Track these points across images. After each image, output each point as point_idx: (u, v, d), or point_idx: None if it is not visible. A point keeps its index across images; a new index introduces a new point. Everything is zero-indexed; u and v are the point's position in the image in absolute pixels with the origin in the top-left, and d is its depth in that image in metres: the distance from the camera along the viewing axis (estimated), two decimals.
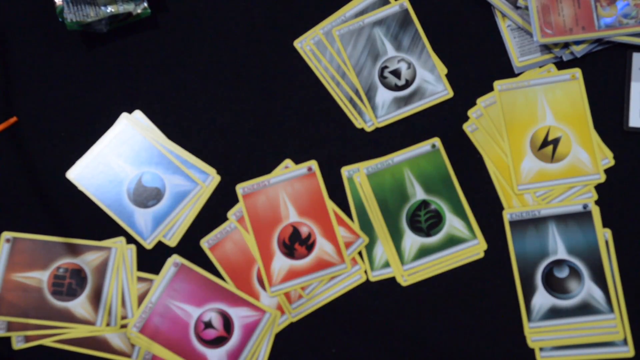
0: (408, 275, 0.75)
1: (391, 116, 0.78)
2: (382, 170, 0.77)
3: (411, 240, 0.75)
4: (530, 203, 0.76)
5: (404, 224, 0.76)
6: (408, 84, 0.78)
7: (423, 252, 0.75)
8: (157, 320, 0.74)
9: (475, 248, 0.75)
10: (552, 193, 0.76)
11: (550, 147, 0.76)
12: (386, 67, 0.79)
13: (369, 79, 0.78)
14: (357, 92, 0.78)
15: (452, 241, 0.75)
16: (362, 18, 0.79)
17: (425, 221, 0.76)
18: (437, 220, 0.76)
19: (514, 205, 0.75)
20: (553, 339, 0.73)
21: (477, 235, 0.75)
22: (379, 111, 0.78)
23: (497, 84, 0.78)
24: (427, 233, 0.76)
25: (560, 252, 0.74)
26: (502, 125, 0.77)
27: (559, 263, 0.74)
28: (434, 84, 0.78)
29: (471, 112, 0.77)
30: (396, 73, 0.79)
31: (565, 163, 0.76)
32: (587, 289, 0.74)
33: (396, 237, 0.75)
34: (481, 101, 0.78)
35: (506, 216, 0.75)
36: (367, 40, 0.79)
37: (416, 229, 0.76)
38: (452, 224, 0.76)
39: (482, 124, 0.77)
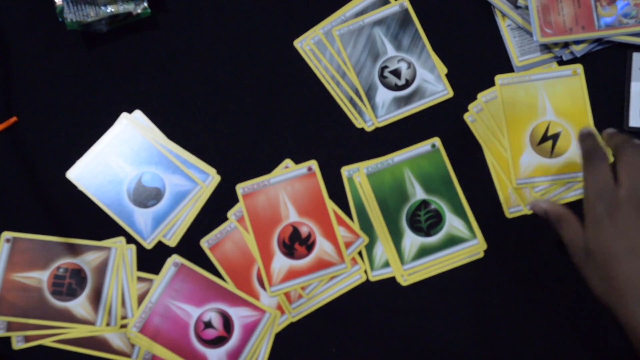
0: (408, 275, 0.75)
1: (391, 116, 0.78)
2: (382, 170, 0.77)
3: (411, 240, 0.75)
4: (528, 197, 0.76)
5: (404, 224, 0.76)
6: (408, 83, 0.78)
7: (423, 252, 0.75)
8: (157, 320, 0.74)
9: (475, 248, 0.75)
10: (551, 188, 0.76)
11: (549, 142, 0.76)
12: (386, 66, 0.79)
13: (369, 79, 0.78)
14: (357, 92, 0.78)
15: (452, 241, 0.75)
16: (362, 18, 0.79)
17: (425, 221, 0.76)
18: (437, 220, 0.76)
19: (511, 199, 0.75)
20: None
21: (477, 235, 0.75)
22: (379, 111, 0.78)
23: (498, 78, 0.78)
24: (427, 233, 0.75)
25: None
26: (502, 119, 0.77)
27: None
28: (434, 83, 0.78)
29: (472, 107, 0.78)
30: (396, 73, 0.79)
31: (564, 158, 0.76)
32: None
33: (396, 237, 0.75)
34: (482, 96, 0.78)
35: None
36: (367, 40, 0.79)
37: (416, 228, 0.76)
38: (452, 223, 0.76)
39: (482, 118, 0.77)
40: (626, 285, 0.57)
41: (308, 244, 0.76)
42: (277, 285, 0.75)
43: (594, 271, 0.60)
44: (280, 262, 0.75)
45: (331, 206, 0.76)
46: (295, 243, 0.76)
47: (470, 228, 0.75)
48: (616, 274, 0.58)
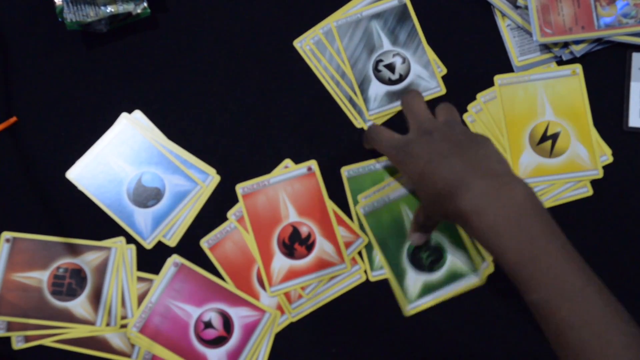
0: (414, 313, 0.75)
1: (383, 109, 0.78)
2: (379, 209, 0.76)
3: (414, 278, 0.75)
4: None
5: (405, 263, 0.75)
6: (402, 78, 0.79)
7: (427, 289, 0.75)
8: (157, 320, 0.74)
9: (477, 282, 0.75)
10: (550, 188, 0.76)
11: (549, 142, 0.76)
12: (381, 60, 0.79)
13: (363, 72, 0.79)
14: (353, 88, 0.78)
15: (455, 276, 0.75)
16: (360, 10, 0.79)
17: (427, 258, 0.75)
18: (438, 257, 0.75)
19: None
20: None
21: (478, 267, 0.75)
22: (371, 104, 0.78)
23: (498, 78, 0.78)
24: (430, 269, 0.75)
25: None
26: (502, 120, 0.77)
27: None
28: (427, 80, 0.78)
29: (471, 107, 0.78)
30: (390, 67, 0.79)
31: (563, 158, 0.76)
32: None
33: (399, 277, 0.75)
34: (481, 96, 0.78)
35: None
36: (363, 33, 0.79)
37: (418, 266, 0.75)
38: (454, 258, 0.75)
39: (481, 118, 0.77)
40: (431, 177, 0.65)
41: (308, 244, 0.76)
42: (277, 285, 0.75)
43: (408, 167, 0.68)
44: (280, 262, 0.75)
45: (331, 206, 0.76)
46: (295, 243, 0.76)
47: (471, 263, 0.75)
48: (423, 172, 0.65)
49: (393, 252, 0.75)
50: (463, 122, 0.77)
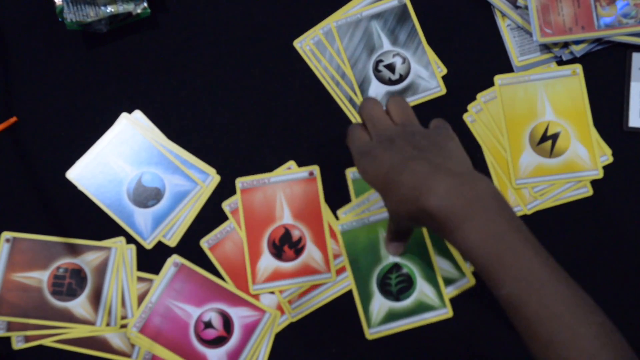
0: (374, 338, 0.74)
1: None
2: (357, 229, 0.76)
3: (380, 304, 0.74)
4: (527, 198, 0.76)
5: (374, 286, 0.75)
6: (402, 78, 0.79)
7: (391, 317, 0.74)
8: (157, 320, 0.74)
9: (443, 316, 0.74)
10: (550, 188, 0.76)
11: (549, 142, 0.76)
12: (381, 60, 0.79)
13: (363, 72, 0.79)
14: (353, 88, 0.78)
15: (421, 307, 0.74)
16: (360, 11, 0.79)
17: (396, 285, 0.75)
18: (407, 285, 0.75)
19: (511, 199, 0.75)
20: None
21: (446, 304, 0.74)
22: None
23: (498, 78, 0.78)
24: (397, 297, 0.75)
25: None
26: (502, 120, 0.77)
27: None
28: (427, 80, 0.78)
29: (471, 107, 0.78)
30: (390, 67, 0.79)
31: (563, 158, 0.76)
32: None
33: (365, 299, 0.75)
34: (481, 96, 0.78)
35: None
36: (363, 33, 0.79)
37: (386, 292, 0.75)
38: (423, 290, 0.75)
39: (481, 118, 0.77)
40: (390, 181, 0.64)
41: (297, 247, 0.76)
42: (260, 284, 0.75)
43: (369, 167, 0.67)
44: (267, 262, 0.75)
45: (326, 218, 0.76)
46: (285, 245, 0.76)
47: (440, 296, 0.75)
48: (386, 178, 0.64)
49: (363, 273, 0.75)
50: (459, 124, 0.77)
